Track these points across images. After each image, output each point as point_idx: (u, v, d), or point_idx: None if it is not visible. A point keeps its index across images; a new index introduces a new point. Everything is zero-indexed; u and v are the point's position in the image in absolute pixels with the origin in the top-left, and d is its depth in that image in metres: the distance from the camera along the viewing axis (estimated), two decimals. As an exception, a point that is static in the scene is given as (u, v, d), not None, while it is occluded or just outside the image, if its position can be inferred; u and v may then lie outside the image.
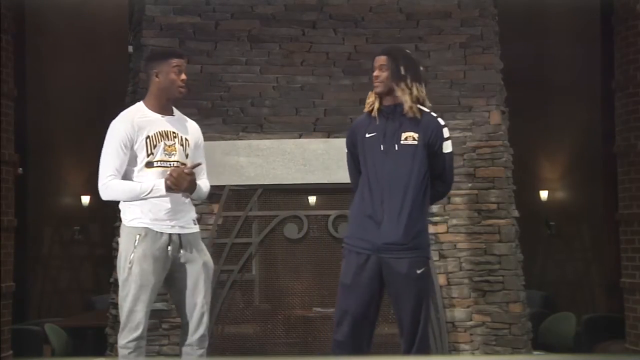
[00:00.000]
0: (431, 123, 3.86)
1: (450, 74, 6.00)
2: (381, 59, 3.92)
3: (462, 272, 5.80)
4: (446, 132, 3.89)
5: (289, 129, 5.96)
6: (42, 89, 8.92)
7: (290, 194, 5.94)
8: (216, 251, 5.87)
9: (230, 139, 5.88)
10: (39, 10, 8.58)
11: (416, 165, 3.80)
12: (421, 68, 3.99)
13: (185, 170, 3.81)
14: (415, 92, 3.85)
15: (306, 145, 5.84)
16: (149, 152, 3.86)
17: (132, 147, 3.83)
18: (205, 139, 6.02)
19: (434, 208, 5.83)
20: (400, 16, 6.10)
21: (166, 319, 5.74)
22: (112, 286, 6.00)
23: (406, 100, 3.83)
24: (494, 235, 5.83)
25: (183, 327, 4.01)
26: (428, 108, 3.92)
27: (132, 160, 3.85)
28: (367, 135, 3.91)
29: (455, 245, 5.83)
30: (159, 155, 3.88)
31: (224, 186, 5.70)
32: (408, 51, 4.05)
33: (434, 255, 5.76)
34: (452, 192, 5.83)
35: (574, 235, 9.00)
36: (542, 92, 8.83)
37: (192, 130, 4.09)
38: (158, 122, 3.92)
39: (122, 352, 3.83)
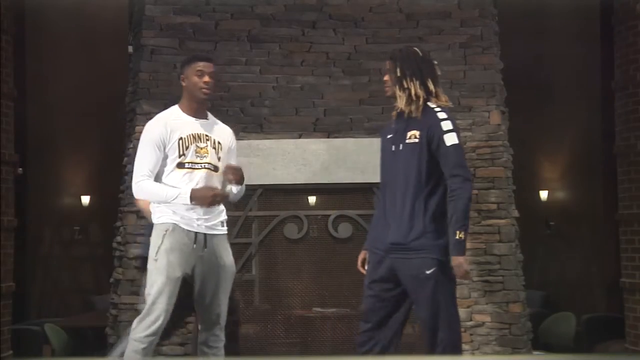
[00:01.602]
0: (430, 118, 3.81)
1: (450, 74, 5.99)
2: (387, 63, 3.96)
3: (462, 272, 5.79)
4: (447, 125, 3.79)
5: (289, 129, 5.96)
6: (42, 89, 8.92)
7: (290, 194, 5.94)
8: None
9: (230, 139, 5.88)
10: (39, 10, 8.58)
11: (418, 163, 3.77)
12: (435, 62, 3.98)
13: (210, 194, 3.95)
14: (413, 92, 3.84)
15: (306, 145, 5.84)
16: (181, 153, 3.99)
17: (164, 148, 3.97)
18: (205, 139, 6.02)
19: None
20: (400, 16, 6.10)
21: (166, 319, 5.74)
22: (112, 286, 6.01)
23: (403, 101, 3.85)
24: (494, 235, 5.83)
25: (199, 324, 4.16)
26: (436, 102, 3.87)
27: (165, 161, 3.99)
28: (387, 137, 3.96)
29: (455, 245, 5.82)
30: (190, 156, 4.00)
31: (224, 186, 5.70)
32: (414, 49, 3.98)
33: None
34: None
35: (574, 235, 8.99)
36: (542, 92, 8.83)
37: (226, 134, 4.23)
38: (191, 125, 4.06)
39: (134, 345, 3.89)
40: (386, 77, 3.95)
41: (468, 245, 5.80)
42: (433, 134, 3.77)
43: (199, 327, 4.16)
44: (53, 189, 9.22)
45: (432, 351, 3.79)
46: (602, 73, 8.05)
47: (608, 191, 7.84)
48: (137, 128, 5.91)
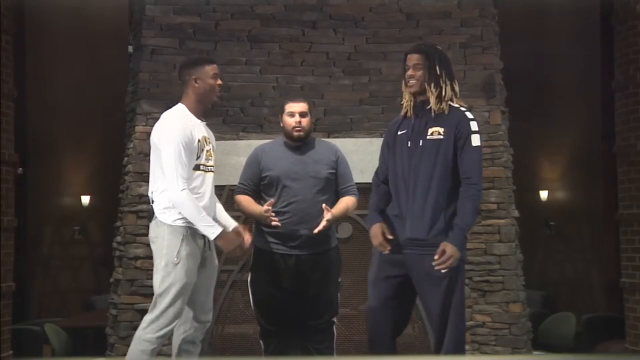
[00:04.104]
0: (458, 116, 3.80)
1: (450, 74, 5.99)
2: (415, 58, 3.88)
3: (462, 272, 5.79)
4: (474, 125, 3.79)
5: (289, 129, 5.95)
6: (42, 89, 8.91)
7: (290, 194, 5.91)
8: (216, 251, 5.86)
9: (230, 139, 5.88)
10: (39, 10, 8.58)
11: (440, 160, 3.75)
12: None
13: (238, 242, 4.13)
14: (445, 91, 3.82)
15: (306, 145, 5.82)
16: (198, 155, 4.01)
17: (189, 149, 3.95)
18: (205, 139, 6.02)
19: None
20: (400, 16, 6.10)
21: (166, 319, 5.73)
22: (112, 286, 6.00)
23: (434, 99, 3.82)
24: (494, 235, 5.83)
25: (183, 322, 4.10)
26: (458, 103, 3.87)
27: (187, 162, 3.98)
28: (399, 133, 3.93)
29: (455, 245, 5.82)
30: (202, 159, 4.04)
31: (224, 186, 5.69)
32: (439, 47, 3.99)
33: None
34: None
35: (574, 235, 9.00)
36: (542, 92, 8.83)
37: (213, 136, 4.27)
38: (199, 127, 4.08)
39: (144, 345, 3.88)
40: (413, 72, 3.86)
41: (468, 245, 5.82)
42: (461, 131, 3.76)
43: (184, 325, 4.10)
44: (53, 189, 9.22)
45: (438, 350, 3.79)
46: (602, 73, 8.06)
47: (608, 191, 7.85)
48: (137, 128, 5.91)
